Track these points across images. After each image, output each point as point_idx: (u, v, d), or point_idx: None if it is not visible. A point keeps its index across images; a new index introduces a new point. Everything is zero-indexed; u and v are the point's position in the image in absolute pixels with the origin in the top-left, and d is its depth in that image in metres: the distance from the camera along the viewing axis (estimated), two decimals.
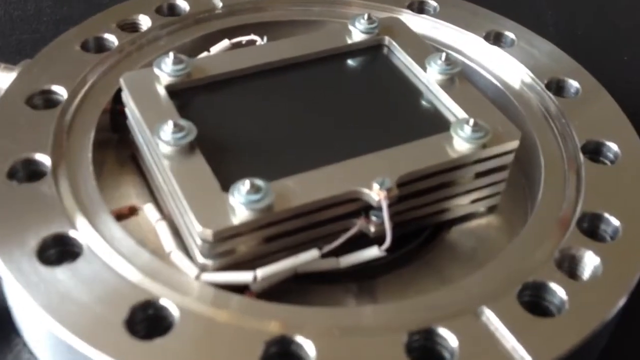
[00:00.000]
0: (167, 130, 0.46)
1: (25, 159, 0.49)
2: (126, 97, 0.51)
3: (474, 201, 0.51)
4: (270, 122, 0.51)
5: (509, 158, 0.50)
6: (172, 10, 0.64)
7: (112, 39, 0.60)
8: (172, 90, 0.51)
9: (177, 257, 0.45)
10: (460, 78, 0.53)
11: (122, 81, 0.51)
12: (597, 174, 0.51)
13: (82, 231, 0.45)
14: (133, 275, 0.43)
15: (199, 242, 0.43)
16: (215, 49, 0.59)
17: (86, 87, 0.55)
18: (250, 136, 0.49)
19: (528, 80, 0.59)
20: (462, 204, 0.51)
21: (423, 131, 0.49)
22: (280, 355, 0.40)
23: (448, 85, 0.52)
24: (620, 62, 0.78)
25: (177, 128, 0.46)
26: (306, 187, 0.45)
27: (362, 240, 0.46)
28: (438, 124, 0.50)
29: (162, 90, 0.51)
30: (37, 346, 0.46)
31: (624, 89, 0.62)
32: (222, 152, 0.47)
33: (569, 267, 0.46)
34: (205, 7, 0.64)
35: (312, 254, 0.45)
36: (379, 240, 0.45)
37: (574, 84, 0.59)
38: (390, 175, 0.45)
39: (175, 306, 0.41)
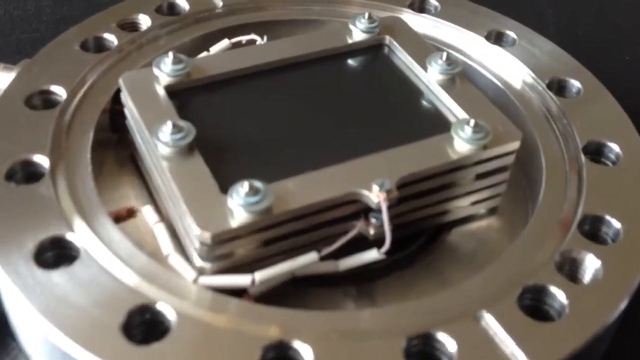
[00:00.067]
0: (166, 131, 0.45)
1: (24, 160, 0.49)
2: (125, 97, 0.51)
3: (474, 203, 0.51)
4: (270, 123, 0.50)
5: (510, 159, 0.49)
6: (172, 9, 0.64)
7: (111, 38, 0.60)
8: (172, 91, 0.50)
9: (175, 260, 0.45)
10: (461, 78, 0.53)
11: (121, 81, 0.51)
12: (599, 175, 0.51)
13: (79, 234, 0.45)
14: (130, 278, 0.42)
15: (197, 244, 0.43)
16: (215, 48, 0.59)
17: (85, 87, 0.55)
18: (249, 137, 0.49)
19: (529, 80, 0.59)
20: (462, 206, 0.51)
21: (423, 132, 0.49)
22: None
23: (449, 85, 0.52)
24: (621, 61, 0.77)
25: (176, 129, 0.46)
26: (305, 189, 0.44)
27: (361, 243, 0.46)
28: (438, 124, 0.50)
29: (161, 91, 0.50)
30: (33, 351, 0.45)
31: (625, 88, 0.61)
32: (222, 153, 0.47)
33: (569, 270, 0.45)
34: (205, 6, 0.64)
35: (311, 256, 0.45)
36: (378, 242, 0.45)
37: (575, 84, 0.58)
38: (390, 177, 0.45)
39: (173, 310, 0.41)
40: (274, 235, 0.44)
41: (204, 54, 0.58)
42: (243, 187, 0.42)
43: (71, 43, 0.59)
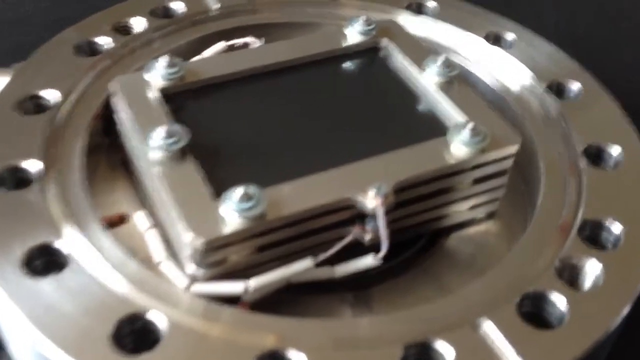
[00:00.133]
0: (157, 136, 0.45)
1: (14, 166, 0.48)
2: (117, 101, 0.50)
3: (472, 207, 0.50)
4: (264, 127, 0.50)
5: (508, 163, 0.49)
6: (167, 12, 0.63)
7: (105, 41, 0.59)
8: (165, 94, 0.50)
9: (167, 267, 0.44)
10: (459, 81, 0.52)
11: (113, 85, 0.50)
12: (599, 179, 0.50)
13: (68, 241, 0.44)
14: (121, 286, 0.42)
15: (189, 251, 0.42)
16: (210, 51, 0.58)
17: (78, 91, 0.54)
18: (244, 141, 0.48)
19: (528, 82, 0.58)
20: (460, 210, 0.50)
21: (420, 135, 0.48)
22: None
23: (446, 88, 0.51)
24: (621, 62, 0.77)
25: (169, 133, 0.45)
26: (300, 194, 0.44)
27: (357, 249, 0.45)
28: (436, 128, 0.49)
29: (154, 95, 0.50)
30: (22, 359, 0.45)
31: (625, 88, 0.61)
32: (215, 157, 0.46)
33: (569, 276, 0.45)
34: (200, 8, 0.63)
35: (306, 263, 0.44)
36: (375, 248, 0.44)
37: (575, 86, 0.58)
38: (387, 182, 0.44)
39: (164, 319, 0.40)
40: (268, 241, 0.44)
41: (199, 57, 0.57)
42: (236, 192, 0.42)
43: (64, 46, 0.58)
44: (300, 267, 0.44)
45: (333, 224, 0.45)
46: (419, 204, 0.47)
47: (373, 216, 0.44)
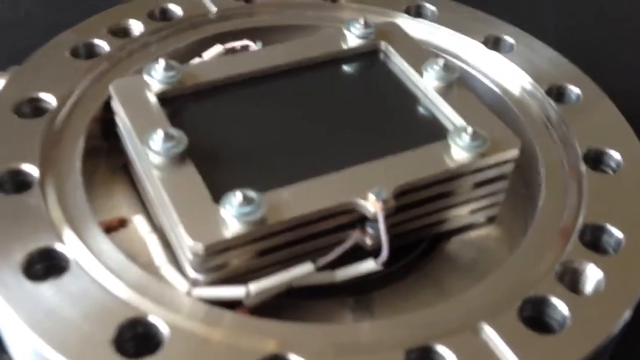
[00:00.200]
0: (157, 139, 0.45)
1: (13, 169, 0.48)
2: (116, 104, 0.50)
3: (473, 211, 0.50)
4: (263, 130, 0.49)
5: (509, 167, 0.49)
6: (165, 15, 0.63)
7: (102, 44, 0.59)
8: (163, 98, 0.50)
9: (168, 271, 0.44)
10: (459, 84, 0.52)
11: (111, 88, 0.50)
12: (599, 183, 0.50)
13: (69, 245, 0.44)
14: (121, 291, 0.41)
15: (189, 256, 0.42)
16: (207, 54, 0.58)
17: (76, 94, 0.54)
18: (243, 145, 0.48)
19: (528, 86, 0.58)
20: (460, 215, 0.50)
21: (420, 139, 0.48)
22: None
23: (446, 92, 0.51)
24: (621, 64, 0.77)
25: (168, 137, 0.45)
26: (300, 199, 0.43)
27: (358, 253, 0.45)
28: (435, 132, 0.49)
29: (152, 98, 0.49)
30: None
31: (625, 91, 0.61)
32: (214, 161, 0.46)
33: (570, 280, 0.45)
34: (198, 11, 0.63)
35: (307, 267, 0.44)
36: (375, 252, 0.44)
37: (574, 90, 0.58)
38: (387, 186, 0.44)
39: (165, 323, 0.40)
40: (269, 245, 0.43)
41: (197, 60, 0.57)
42: (236, 196, 0.41)
43: (61, 49, 0.58)
44: (301, 272, 0.44)
45: (333, 228, 0.45)
46: (419, 208, 0.47)
47: (373, 220, 0.44)
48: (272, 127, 0.50)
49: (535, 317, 0.43)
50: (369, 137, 0.49)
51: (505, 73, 0.60)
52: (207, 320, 0.40)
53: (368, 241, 0.45)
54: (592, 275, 0.44)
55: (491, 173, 0.48)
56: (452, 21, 0.64)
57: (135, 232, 0.48)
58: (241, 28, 0.62)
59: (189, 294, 0.42)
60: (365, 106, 0.52)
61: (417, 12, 0.66)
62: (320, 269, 0.44)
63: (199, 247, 0.41)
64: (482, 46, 0.62)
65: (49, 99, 0.53)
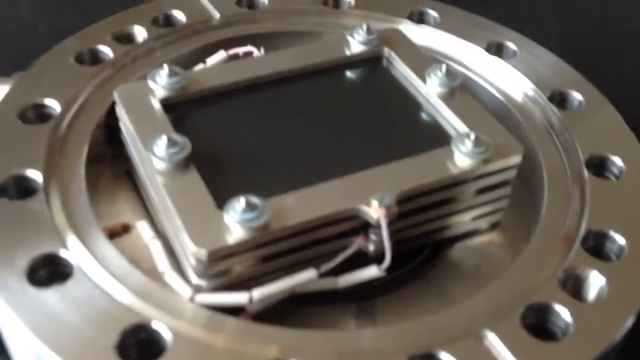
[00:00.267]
0: (161, 145, 0.45)
1: (17, 175, 0.48)
2: (120, 110, 0.50)
3: (475, 218, 0.50)
4: (267, 136, 0.49)
5: (512, 173, 0.49)
6: (168, 21, 0.63)
7: (107, 50, 0.59)
8: (167, 104, 0.50)
9: (171, 277, 0.44)
10: (461, 90, 0.52)
11: (115, 94, 0.50)
12: (602, 190, 0.50)
13: (73, 251, 0.44)
14: (125, 296, 0.42)
15: (193, 262, 0.42)
16: (211, 60, 0.58)
17: (80, 100, 0.54)
18: (246, 151, 0.48)
19: (530, 92, 0.58)
20: (463, 221, 0.50)
21: (423, 145, 0.48)
22: None
23: (448, 98, 0.51)
24: (623, 70, 0.77)
25: (172, 143, 0.45)
26: (303, 205, 0.44)
27: (361, 259, 0.45)
28: (438, 138, 0.49)
29: (156, 104, 0.49)
30: None
31: (627, 97, 0.60)
32: (218, 167, 0.46)
33: (573, 287, 0.44)
34: (201, 18, 0.63)
35: (310, 273, 0.44)
36: (378, 258, 0.44)
37: (577, 96, 0.58)
38: (390, 192, 0.44)
39: (168, 329, 0.40)
40: (272, 251, 0.43)
41: (200, 66, 0.57)
42: (240, 202, 0.41)
43: (66, 55, 0.58)
44: (304, 278, 0.44)
45: (336, 234, 0.45)
46: (422, 214, 0.47)
47: (376, 226, 0.44)
48: (275, 133, 0.50)
49: (538, 324, 0.43)
50: (372, 143, 0.49)
51: (508, 79, 0.60)
52: (210, 327, 0.41)
53: (371, 247, 0.45)
54: (595, 282, 0.44)
55: (494, 179, 0.48)
56: (454, 27, 0.64)
57: (138, 238, 0.48)
58: (244, 34, 0.62)
59: (192, 300, 0.42)
60: (368, 112, 0.52)
61: (419, 18, 0.66)
62: (323, 275, 0.44)
63: (202, 253, 0.41)
64: (485, 52, 0.62)
65: (54, 105, 0.53)
